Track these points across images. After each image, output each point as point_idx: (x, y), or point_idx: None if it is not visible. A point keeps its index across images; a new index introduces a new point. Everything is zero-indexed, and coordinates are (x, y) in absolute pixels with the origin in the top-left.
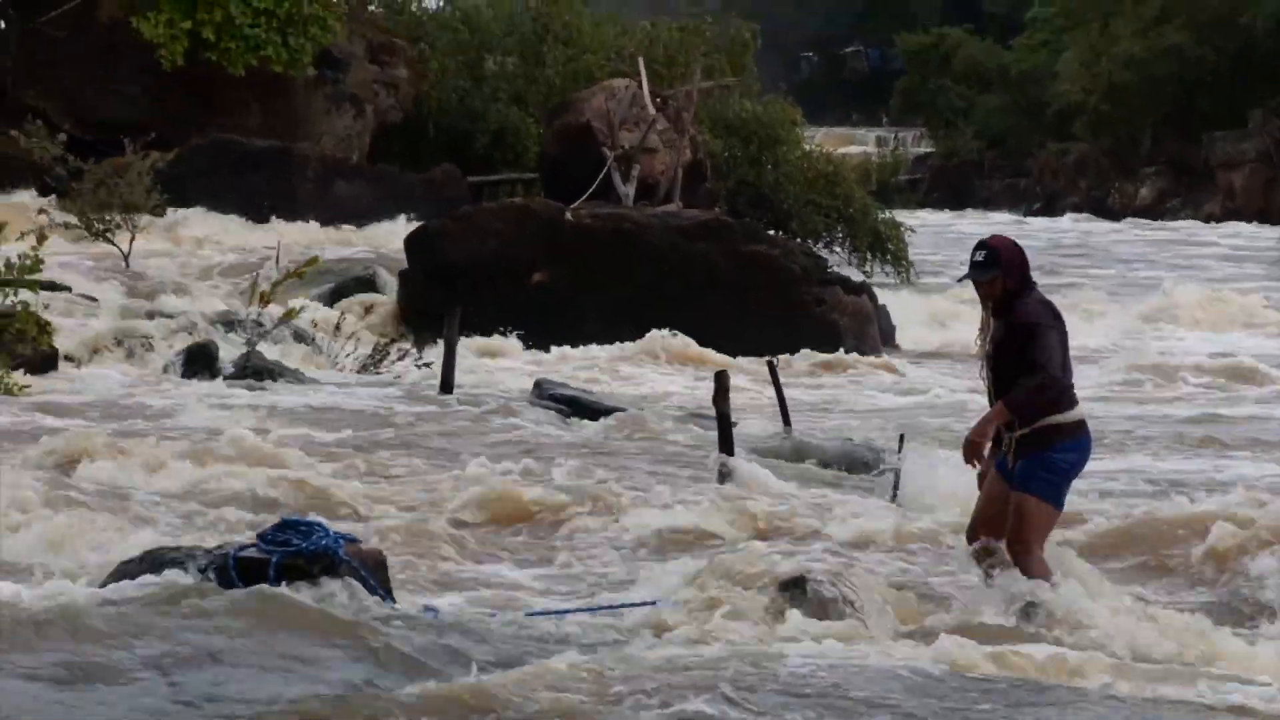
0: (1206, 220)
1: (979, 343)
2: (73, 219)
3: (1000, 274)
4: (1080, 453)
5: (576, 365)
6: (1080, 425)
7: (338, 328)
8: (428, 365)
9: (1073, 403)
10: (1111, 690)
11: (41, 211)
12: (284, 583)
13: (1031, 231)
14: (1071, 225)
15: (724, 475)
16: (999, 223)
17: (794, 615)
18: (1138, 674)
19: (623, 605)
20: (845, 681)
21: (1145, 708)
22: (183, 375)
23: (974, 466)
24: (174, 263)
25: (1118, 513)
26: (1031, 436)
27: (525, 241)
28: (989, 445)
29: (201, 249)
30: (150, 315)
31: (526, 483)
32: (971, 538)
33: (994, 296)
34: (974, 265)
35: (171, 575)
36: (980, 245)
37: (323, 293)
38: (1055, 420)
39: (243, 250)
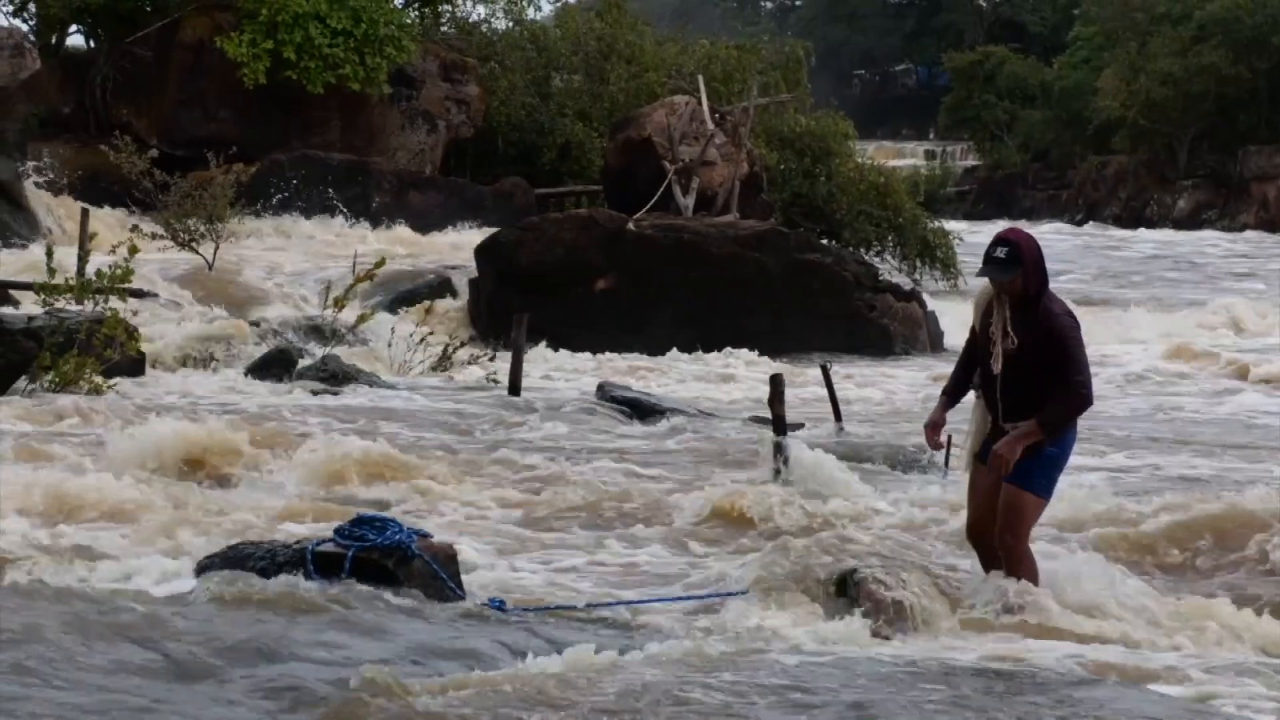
0: (1240, 231)
1: (996, 340)
2: (159, 229)
3: (1022, 272)
4: (1071, 445)
5: (638, 368)
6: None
7: (411, 334)
8: (496, 379)
9: None
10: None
11: (134, 228)
12: (359, 576)
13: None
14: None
15: (778, 470)
16: (1048, 231)
17: (843, 610)
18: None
19: (671, 599)
20: (890, 676)
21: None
22: (264, 378)
23: (1006, 472)
24: (255, 271)
25: None
26: None
27: (590, 250)
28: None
29: (281, 258)
30: (232, 320)
31: (591, 479)
32: (975, 536)
33: (1014, 295)
34: (995, 262)
35: (252, 569)
36: (1000, 241)
37: (396, 299)
38: None
39: (321, 259)
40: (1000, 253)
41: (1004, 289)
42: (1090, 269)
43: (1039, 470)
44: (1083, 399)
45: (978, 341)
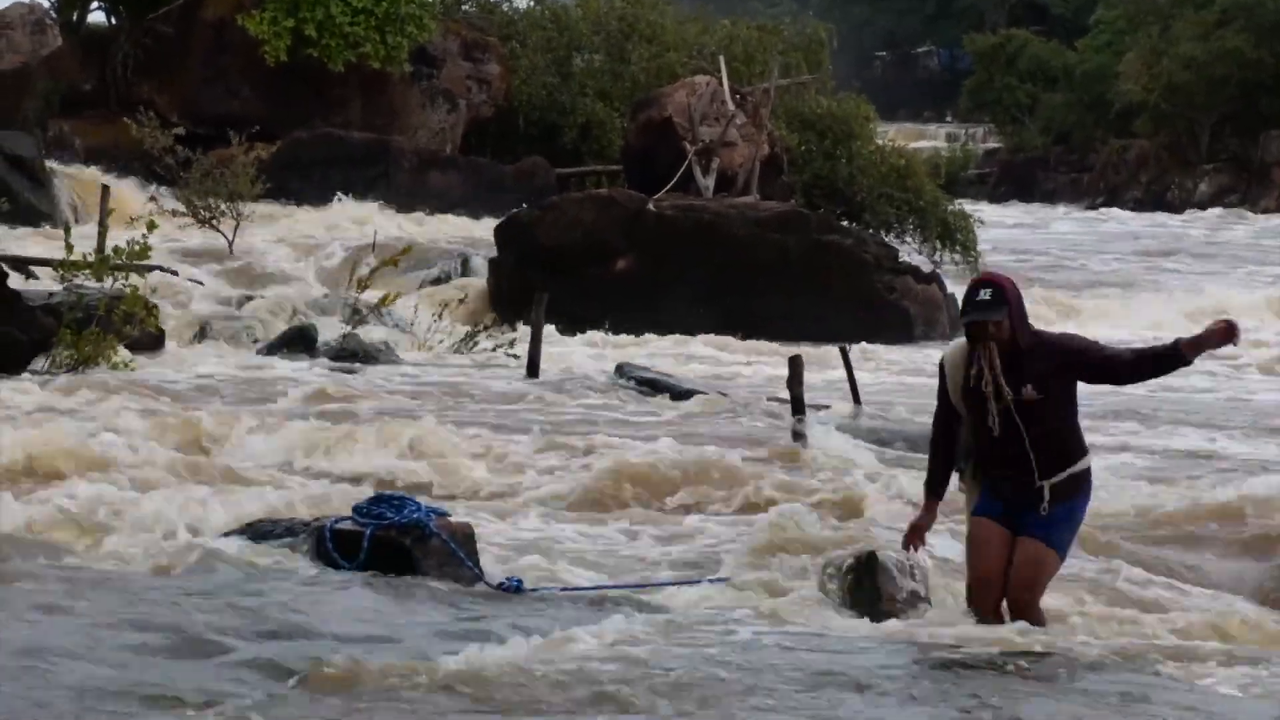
0: (1261, 215)
1: (998, 392)
2: (180, 207)
3: (1009, 313)
4: (1089, 499)
5: (657, 349)
6: (1090, 471)
7: (417, 309)
8: (515, 356)
9: (1087, 448)
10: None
11: (152, 199)
12: (376, 554)
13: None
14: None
15: (796, 451)
16: (1070, 216)
17: (857, 594)
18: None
19: (688, 582)
20: (902, 662)
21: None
22: (283, 356)
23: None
24: (276, 249)
25: None
26: (1062, 485)
27: (609, 231)
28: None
29: (302, 237)
30: (253, 299)
31: (609, 458)
32: (981, 598)
33: (1001, 338)
34: (979, 305)
35: (271, 545)
36: (983, 283)
37: (416, 279)
38: (1082, 466)
39: (342, 238)
40: (984, 294)
41: (992, 334)
42: None
43: (1067, 529)
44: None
45: (959, 410)
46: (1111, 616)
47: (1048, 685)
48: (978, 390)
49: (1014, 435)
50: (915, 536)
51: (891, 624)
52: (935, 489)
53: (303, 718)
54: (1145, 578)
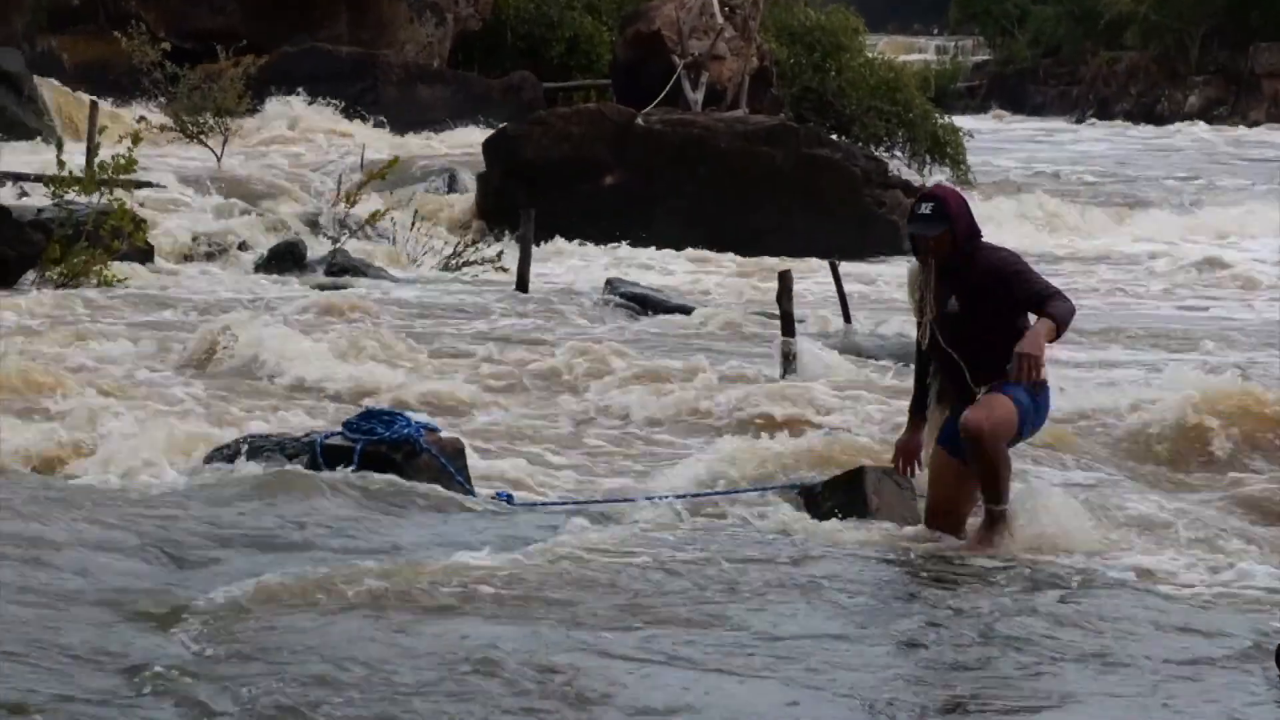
0: (1251, 127)
1: (924, 307)
2: (168, 122)
3: (949, 227)
4: (1048, 405)
5: (646, 264)
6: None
7: (415, 226)
8: (504, 269)
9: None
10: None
11: (141, 119)
12: (367, 470)
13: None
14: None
15: (787, 365)
16: (1056, 129)
17: (847, 508)
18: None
19: (679, 496)
20: (887, 572)
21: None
22: (272, 272)
23: (1034, 378)
24: (264, 165)
25: None
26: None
27: (598, 145)
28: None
29: (290, 152)
30: (241, 214)
31: (598, 372)
32: (938, 520)
33: (942, 253)
34: (918, 219)
35: (261, 461)
36: (926, 197)
37: (404, 194)
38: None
39: (330, 153)
40: (924, 209)
41: (933, 248)
42: None
43: (1025, 396)
44: (1070, 304)
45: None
46: (1087, 529)
47: (1026, 595)
48: (922, 306)
49: (946, 352)
50: (905, 458)
51: (877, 536)
52: (919, 410)
53: (276, 625)
54: (1121, 488)
